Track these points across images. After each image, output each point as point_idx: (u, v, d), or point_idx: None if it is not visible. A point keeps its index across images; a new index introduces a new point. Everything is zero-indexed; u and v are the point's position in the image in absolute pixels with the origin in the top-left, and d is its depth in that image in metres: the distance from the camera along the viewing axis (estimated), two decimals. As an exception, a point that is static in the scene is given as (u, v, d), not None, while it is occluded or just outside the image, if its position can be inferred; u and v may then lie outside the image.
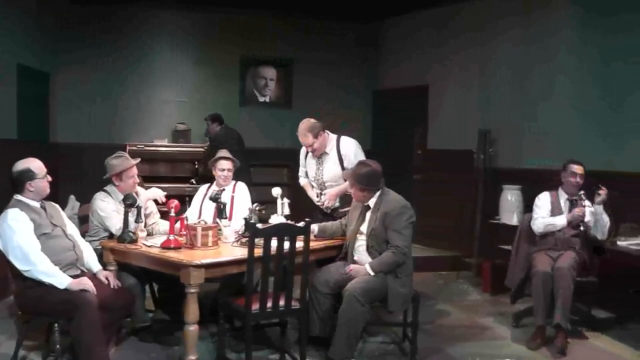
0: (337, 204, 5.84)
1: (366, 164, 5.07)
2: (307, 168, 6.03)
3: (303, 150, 6.05)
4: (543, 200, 6.04)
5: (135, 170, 5.38)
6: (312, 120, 5.69)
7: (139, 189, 5.54)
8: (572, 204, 5.91)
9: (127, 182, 5.31)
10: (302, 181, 6.16)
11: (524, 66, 7.82)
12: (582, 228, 5.79)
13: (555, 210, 5.96)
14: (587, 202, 5.71)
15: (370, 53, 10.81)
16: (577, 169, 5.88)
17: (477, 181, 8.17)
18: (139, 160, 5.52)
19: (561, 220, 5.85)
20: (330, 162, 5.79)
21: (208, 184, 6.12)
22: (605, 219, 5.75)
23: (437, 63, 9.45)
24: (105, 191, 5.35)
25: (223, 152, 6.04)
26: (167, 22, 10.26)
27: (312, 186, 6.01)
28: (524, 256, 5.99)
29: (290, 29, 10.56)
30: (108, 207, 5.23)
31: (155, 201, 5.64)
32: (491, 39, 8.46)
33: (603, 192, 5.74)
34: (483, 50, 8.66)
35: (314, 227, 5.30)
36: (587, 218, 5.74)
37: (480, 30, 8.70)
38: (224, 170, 5.91)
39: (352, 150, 5.77)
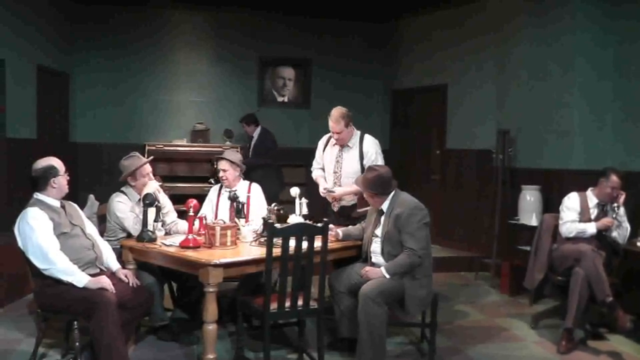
0: (345, 203, 5.85)
1: (373, 169, 5.01)
2: (325, 161, 6.02)
3: (322, 142, 6.08)
4: (573, 202, 5.90)
5: (148, 169, 5.38)
6: (345, 109, 5.75)
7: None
8: (602, 209, 5.83)
9: (142, 180, 5.32)
10: (316, 173, 6.16)
11: (541, 66, 7.76)
12: (614, 234, 5.77)
13: (584, 213, 5.85)
14: (621, 212, 5.70)
15: (388, 53, 10.80)
16: (617, 182, 5.75)
17: (496, 181, 8.12)
18: (151, 158, 5.54)
19: (591, 229, 5.74)
20: (351, 156, 5.80)
21: (219, 184, 6.12)
22: (626, 225, 5.75)
23: (455, 62, 9.43)
24: (122, 192, 5.37)
25: (225, 153, 6.03)
26: (185, 23, 10.33)
27: (325, 180, 6.02)
28: (543, 257, 5.93)
29: (308, 30, 10.61)
30: (125, 208, 5.25)
31: (173, 201, 5.66)
32: (508, 38, 8.40)
33: (622, 196, 5.71)
34: (500, 49, 8.61)
35: (339, 232, 5.30)
36: (614, 232, 5.76)
37: (497, 30, 8.66)
38: (219, 171, 5.90)
39: (373, 149, 5.80)
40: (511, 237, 7.75)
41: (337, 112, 5.72)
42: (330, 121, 5.73)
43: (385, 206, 4.95)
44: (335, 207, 5.90)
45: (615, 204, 5.74)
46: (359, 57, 10.83)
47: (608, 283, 5.30)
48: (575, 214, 5.86)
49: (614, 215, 5.74)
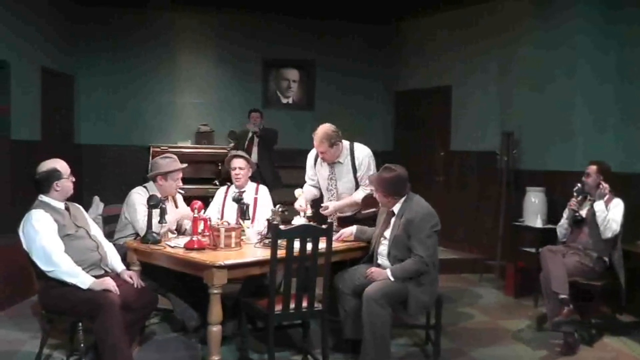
0: (342, 215, 5.76)
1: (391, 169, 4.91)
2: (318, 176, 5.89)
3: (311, 156, 5.93)
4: (567, 209, 5.99)
5: (181, 174, 5.45)
6: (332, 127, 5.50)
7: (180, 200, 5.59)
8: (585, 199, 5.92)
9: (171, 184, 5.41)
10: (308, 189, 5.95)
11: (544, 69, 7.76)
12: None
13: None
14: (600, 204, 5.64)
15: (390, 54, 10.80)
16: (591, 169, 5.85)
17: (500, 183, 8.11)
18: (186, 165, 5.57)
19: (562, 220, 5.96)
20: (344, 171, 5.67)
21: (227, 185, 6.12)
22: (603, 215, 5.59)
23: (459, 64, 9.41)
24: (145, 187, 5.42)
25: (238, 151, 6.05)
26: (189, 25, 10.33)
27: (314, 195, 5.94)
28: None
29: (312, 31, 10.60)
30: (141, 201, 5.25)
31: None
32: (512, 41, 8.40)
33: (602, 188, 5.69)
34: (504, 51, 8.60)
35: (353, 229, 5.27)
36: (583, 212, 5.79)
37: (501, 32, 8.65)
38: (235, 168, 5.89)
39: (366, 158, 5.64)
40: (515, 238, 7.74)
41: (320, 131, 5.49)
42: (314, 140, 5.55)
43: (397, 208, 4.90)
44: (334, 221, 5.66)
45: (597, 194, 5.74)
46: (361, 58, 10.82)
47: (562, 280, 5.35)
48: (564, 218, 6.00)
49: (574, 194, 5.85)
